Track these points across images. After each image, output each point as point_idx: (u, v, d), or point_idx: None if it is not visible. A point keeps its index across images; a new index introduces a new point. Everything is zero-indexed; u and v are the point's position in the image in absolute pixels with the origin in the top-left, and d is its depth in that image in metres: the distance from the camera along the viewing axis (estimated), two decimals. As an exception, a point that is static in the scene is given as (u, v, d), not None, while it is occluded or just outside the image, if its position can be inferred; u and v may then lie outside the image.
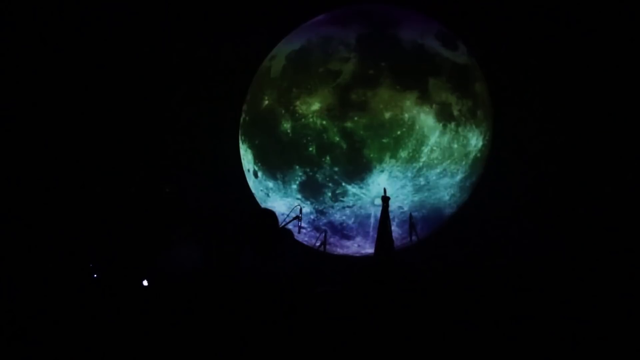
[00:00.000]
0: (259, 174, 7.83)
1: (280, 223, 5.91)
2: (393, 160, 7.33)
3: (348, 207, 7.52)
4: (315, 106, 7.38)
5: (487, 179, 7.71)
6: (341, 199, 7.49)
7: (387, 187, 6.84)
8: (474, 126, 7.58)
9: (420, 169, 7.41)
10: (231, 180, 7.78)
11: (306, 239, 7.65)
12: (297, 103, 7.44)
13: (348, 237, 7.69)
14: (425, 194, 7.53)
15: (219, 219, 7.22)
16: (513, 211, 7.41)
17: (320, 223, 7.62)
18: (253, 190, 7.95)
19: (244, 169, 7.97)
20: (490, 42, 7.51)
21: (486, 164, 7.74)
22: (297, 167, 7.50)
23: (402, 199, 7.47)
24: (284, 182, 7.62)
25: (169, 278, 5.57)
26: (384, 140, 7.30)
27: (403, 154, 7.33)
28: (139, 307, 5.21)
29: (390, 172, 7.35)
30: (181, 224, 6.28)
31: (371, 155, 7.32)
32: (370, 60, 7.35)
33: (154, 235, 6.44)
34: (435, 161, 7.44)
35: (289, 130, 7.47)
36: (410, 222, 7.08)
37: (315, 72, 7.41)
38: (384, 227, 6.43)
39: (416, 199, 7.53)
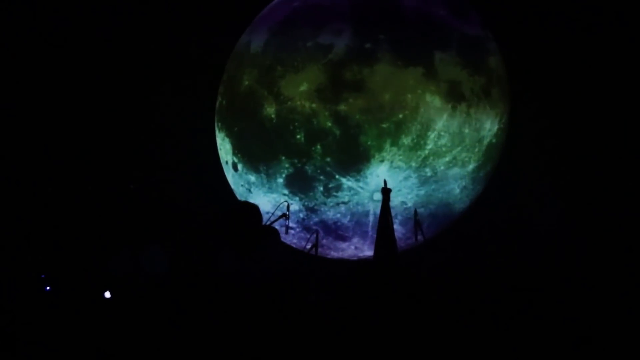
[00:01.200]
0: (239, 166, 7.92)
1: (265, 222, 6.05)
2: (394, 149, 7.42)
3: (343, 203, 7.60)
4: (303, 87, 7.46)
5: (504, 168, 7.82)
6: (335, 194, 7.58)
7: (388, 179, 6.96)
8: (488, 107, 7.66)
9: (426, 157, 7.51)
10: (206, 174, 7.90)
11: (295, 240, 7.78)
12: (282, 83, 7.51)
13: (343, 238, 7.80)
14: (432, 186, 7.63)
15: (193, 217, 7.44)
16: (534, 206, 7.64)
17: (311, 222, 7.73)
18: (232, 186, 8.03)
19: (222, 160, 8.05)
20: (507, 10, 7.67)
21: (503, 151, 7.84)
22: (283, 158, 7.60)
23: (406, 193, 7.57)
24: (268, 176, 7.71)
25: (129, 285, 5.67)
26: (384, 125, 7.38)
27: (406, 140, 7.42)
28: (98, 321, 5.42)
29: (392, 162, 7.45)
30: (147, 225, 6.37)
31: (369, 142, 7.40)
32: (367, 32, 7.41)
33: (114, 238, 6.66)
34: (444, 148, 7.53)
35: (272, 115, 7.54)
36: (415, 220, 7.17)
37: (302, 47, 7.47)
38: (384, 225, 6.53)
39: (422, 192, 7.62)
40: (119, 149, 7.91)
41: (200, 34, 7.85)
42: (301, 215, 7.72)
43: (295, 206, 7.60)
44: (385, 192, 6.71)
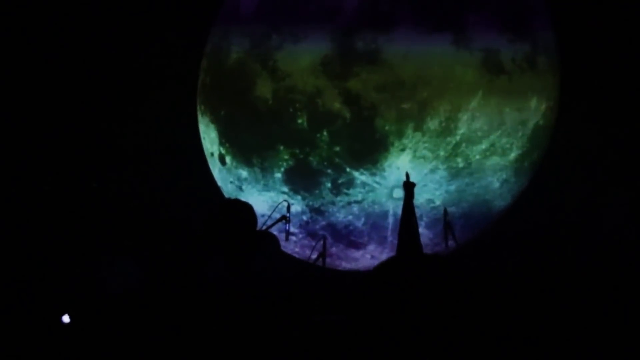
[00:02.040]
0: (228, 159, 8.02)
1: (260, 227, 6.00)
2: (418, 134, 7.48)
3: (356, 202, 7.70)
4: (306, 59, 7.51)
5: (555, 157, 7.90)
6: (345, 191, 7.68)
7: (411, 172, 6.77)
8: (534, 81, 7.69)
9: (457, 145, 7.57)
10: (186, 169, 7.96)
11: (297, 249, 7.87)
12: (279, 56, 7.58)
13: (357, 246, 7.89)
14: (466, 180, 7.72)
15: (170, 222, 7.49)
16: (592, 204, 7.64)
17: (317, 227, 7.83)
18: (219, 183, 8.12)
19: (206, 152, 8.14)
20: None
21: (552, 135, 7.91)
22: (282, 147, 7.69)
23: (433, 189, 7.65)
24: (263, 170, 7.81)
25: (92, 307, 5.72)
26: (405, 106, 7.44)
27: (432, 124, 7.48)
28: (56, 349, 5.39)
29: (415, 151, 7.53)
30: (113, 232, 6.41)
31: (387, 127, 7.48)
32: None
33: (72, 250, 6.65)
34: (480, 133, 7.58)
35: (268, 96, 7.63)
36: (445, 222, 7.13)
37: (303, 10, 7.53)
38: (407, 228, 6.27)
39: (452, 188, 7.71)
40: (77, 137, 7.95)
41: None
42: (305, 217, 7.82)
43: (297, 207, 7.69)
44: (408, 187, 6.50)
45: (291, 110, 7.59)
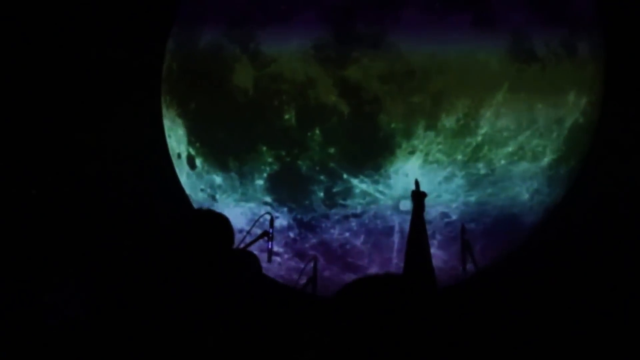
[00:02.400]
0: (198, 161, 7.94)
1: (238, 244, 5.96)
2: (431, 134, 7.31)
3: (354, 216, 7.57)
4: (295, 41, 7.33)
5: (597, 162, 7.76)
6: (342, 202, 7.52)
7: (422, 179, 6.50)
8: (572, 70, 7.56)
9: (478, 147, 7.40)
10: (148, 174, 7.90)
11: (282, 272, 7.80)
12: (263, 37, 7.43)
13: (355, 269, 7.71)
14: (489, 190, 7.55)
15: (126, 238, 7.41)
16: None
17: (307, 245, 7.73)
18: (188, 190, 8.07)
19: (171, 153, 8.08)
20: None
21: (595, 136, 7.79)
22: (265, 148, 7.55)
23: (449, 200, 7.53)
24: (241, 176, 7.69)
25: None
26: (415, 100, 7.24)
27: (448, 122, 7.30)
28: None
29: (427, 154, 7.36)
30: (57, 251, 6.65)
31: (392, 125, 7.31)
32: None
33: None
34: (505, 134, 7.41)
35: (249, 85, 7.48)
36: (463, 241, 6.84)
37: None
38: (416, 246, 6.02)
39: (472, 199, 7.56)
40: (16, 135, 7.92)
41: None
42: (292, 234, 7.73)
43: (282, 221, 7.61)
44: (418, 198, 6.26)
45: (276, 103, 7.42)
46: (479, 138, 7.35)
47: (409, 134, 7.29)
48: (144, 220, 7.66)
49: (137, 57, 7.92)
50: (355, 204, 7.53)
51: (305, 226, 7.68)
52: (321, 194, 7.53)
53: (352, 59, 7.20)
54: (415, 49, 7.17)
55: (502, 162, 7.49)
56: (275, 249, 6.98)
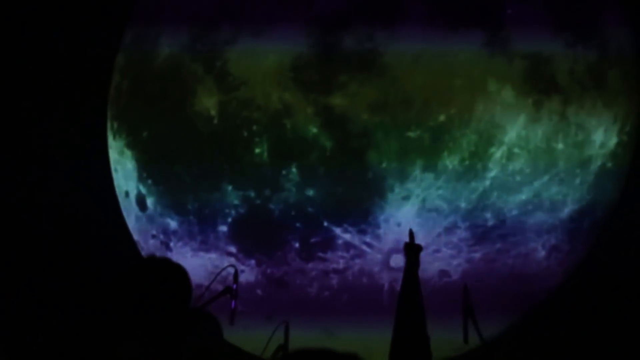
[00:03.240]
0: (150, 201, 7.64)
1: (195, 303, 5.50)
2: (429, 176, 6.98)
3: (335, 272, 7.24)
4: (270, 61, 7.04)
5: (628, 214, 7.55)
6: (321, 255, 7.18)
7: (417, 230, 6.37)
8: (599, 105, 7.23)
9: (486, 193, 7.09)
10: (90, 215, 7.65)
11: (247, 337, 7.31)
12: (232, 55, 7.15)
13: (334, 338, 7.32)
14: (497, 245, 7.25)
15: (67, 288, 7.23)
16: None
17: (278, 305, 7.37)
18: (136, 236, 7.83)
19: (117, 190, 7.86)
20: None
21: (625, 184, 7.61)
22: (230, 188, 7.22)
23: (449, 256, 7.22)
24: (201, 220, 7.38)
25: None
26: (411, 134, 6.93)
27: (451, 162, 6.97)
28: None
29: (424, 200, 7.04)
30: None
31: (384, 164, 7.00)
32: None
33: None
34: (519, 178, 7.10)
35: (213, 112, 7.18)
36: (466, 305, 6.30)
37: None
38: (408, 309, 5.81)
39: (477, 256, 7.26)
40: None
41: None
42: (259, 292, 7.46)
43: (248, 276, 7.35)
44: (412, 253, 5.95)
45: (245, 134, 7.06)
46: (487, 183, 7.01)
47: (403, 176, 6.93)
48: (83, 271, 7.38)
49: (80, 74, 7.63)
50: (337, 258, 7.14)
51: (276, 282, 7.31)
52: (296, 245, 7.13)
53: (338, 84, 6.86)
54: (413, 72, 6.90)
55: (514, 212, 7.13)
56: (240, 308, 6.27)
